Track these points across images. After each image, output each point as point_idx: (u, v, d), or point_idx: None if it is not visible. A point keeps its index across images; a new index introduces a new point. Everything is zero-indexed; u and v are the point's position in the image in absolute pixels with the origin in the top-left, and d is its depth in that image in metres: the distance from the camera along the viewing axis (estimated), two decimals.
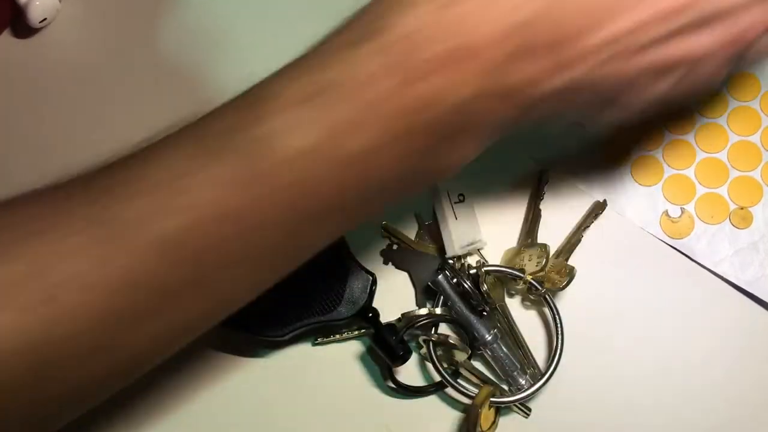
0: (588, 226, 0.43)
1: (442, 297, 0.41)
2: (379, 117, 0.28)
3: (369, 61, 0.28)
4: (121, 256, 0.27)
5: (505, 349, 0.41)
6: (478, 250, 0.43)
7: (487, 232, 0.43)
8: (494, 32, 0.28)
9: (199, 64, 0.47)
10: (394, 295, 0.42)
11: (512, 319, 0.42)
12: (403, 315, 0.41)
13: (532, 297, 0.42)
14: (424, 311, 0.41)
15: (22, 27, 0.47)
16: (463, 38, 0.27)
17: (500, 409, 0.40)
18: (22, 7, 0.46)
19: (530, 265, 0.42)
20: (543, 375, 0.40)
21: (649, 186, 0.44)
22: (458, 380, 0.40)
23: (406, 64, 0.28)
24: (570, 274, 0.41)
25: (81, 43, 0.48)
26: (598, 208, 0.43)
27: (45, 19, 0.47)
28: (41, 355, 0.26)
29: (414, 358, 0.42)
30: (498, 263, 0.43)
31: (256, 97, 0.29)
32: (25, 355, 0.26)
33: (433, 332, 0.41)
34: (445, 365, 0.41)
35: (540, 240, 0.43)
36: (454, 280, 0.41)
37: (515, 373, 0.40)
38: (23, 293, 0.26)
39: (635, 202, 0.44)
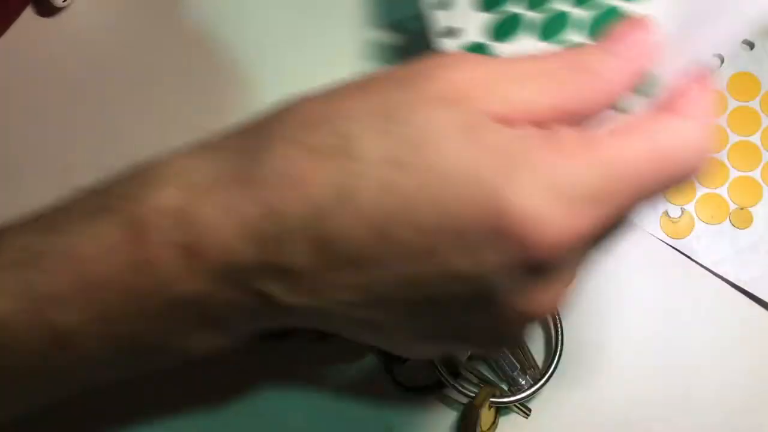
0: None
1: None
2: (91, 294, 0.26)
3: (99, 234, 0.26)
4: None
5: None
6: None
7: None
8: (233, 238, 0.25)
9: (223, 42, 0.47)
10: None
11: None
12: None
13: None
14: None
15: (45, 6, 0.47)
16: (200, 235, 0.25)
17: (500, 410, 0.40)
18: None
19: None
20: (543, 375, 0.40)
21: None
22: (458, 380, 0.40)
23: (138, 245, 0.25)
24: None
25: (103, 22, 0.48)
26: None
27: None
28: None
29: None
30: None
31: None
32: None
33: None
34: (445, 365, 0.41)
35: None
36: None
37: (515, 374, 0.40)
38: None
39: None
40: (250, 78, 0.46)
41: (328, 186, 0.24)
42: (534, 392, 0.40)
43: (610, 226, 0.25)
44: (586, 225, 0.24)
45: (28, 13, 0.48)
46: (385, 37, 0.47)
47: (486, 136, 0.23)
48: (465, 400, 0.40)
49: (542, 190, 0.23)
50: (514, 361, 0.41)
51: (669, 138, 0.25)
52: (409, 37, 0.46)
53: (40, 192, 0.43)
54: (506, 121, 0.24)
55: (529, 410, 0.41)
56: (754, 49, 0.45)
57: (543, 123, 0.25)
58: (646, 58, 0.26)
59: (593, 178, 0.24)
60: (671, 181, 0.25)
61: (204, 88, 0.47)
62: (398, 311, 0.26)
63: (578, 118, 0.25)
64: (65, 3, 0.47)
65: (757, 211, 0.44)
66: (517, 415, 0.41)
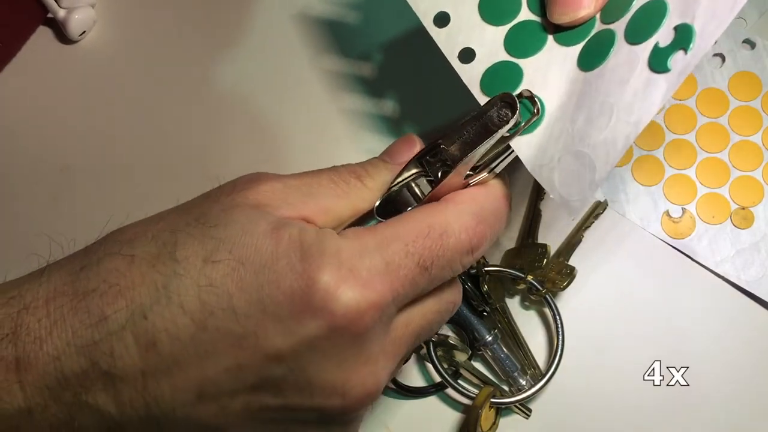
0: (588, 226, 0.43)
1: None
2: None
3: None
4: None
5: (505, 350, 0.41)
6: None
7: None
8: (61, 348, 0.26)
9: (229, 72, 0.48)
10: None
11: (512, 319, 0.42)
12: None
13: (532, 297, 0.42)
14: None
15: (63, 36, 0.49)
16: (28, 349, 0.26)
17: (501, 410, 0.40)
18: (61, 22, 0.47)
19: (530, 265, 0.41)
20: (543, 375, 0.40)
21: (650, 186, 0.44)
22: (458, 381, 0.40)
23: None
24: (570, 274, 0.41)
25: (117, 50, 0.49)
26: (598, 208, 0.43)
27: (84, 32, 0.48)
28: None
29: (414, 358, 0.42)
30: (498, 263, 0.43)
31: None
32: None
33: None
34: (446, 366, 0.41)
35: (540, 240, 0.43)
36: None
37: (515, 374, 0.40)
38: None
39: (636, 202, 0.44)
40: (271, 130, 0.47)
41: (151, 287, 0.26)
42: (534, 392, 0.40)
43: (420, 295, 0.29)
44: (382, 292, 0.27)
45: (50, 39, 0.49)
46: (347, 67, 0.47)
47: (288, 231, 0.27)
48: (465, 401, 0.40)
49: (338, 269, 0.27)
50: (515, 361, 0.41)
51: (440, 217, 0.30)
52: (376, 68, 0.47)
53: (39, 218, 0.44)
54: (304, 220, 0.29)
55: (530, 410, 0.41)
56: (755, 49, 0.45)
57: (333, 224, 0.30)
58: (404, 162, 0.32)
59: (378, 253, 0.28)
60: (446, 252, 0.29)
61: (205, 116, 0.47)
62: (233, 411, 0.27)
63: (354, 218, 0.31)
64: (81, 37, 0.49)
65: (758, 210, 0.43)
66: (518, 415, 0.41)
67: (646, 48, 0.30)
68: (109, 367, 0.26)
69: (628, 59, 0.30)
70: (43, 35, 0.49)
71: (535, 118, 0.31)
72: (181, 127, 0.47)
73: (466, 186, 0.32)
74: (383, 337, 0.28)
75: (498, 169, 0.33)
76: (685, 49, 0.29)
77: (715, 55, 0.46)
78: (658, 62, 0.30)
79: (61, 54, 0.49)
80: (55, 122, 0.47)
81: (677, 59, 0.29)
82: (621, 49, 0.31)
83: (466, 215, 0.30)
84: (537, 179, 0.31)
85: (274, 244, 0.27)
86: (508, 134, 0.31)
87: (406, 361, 0.33)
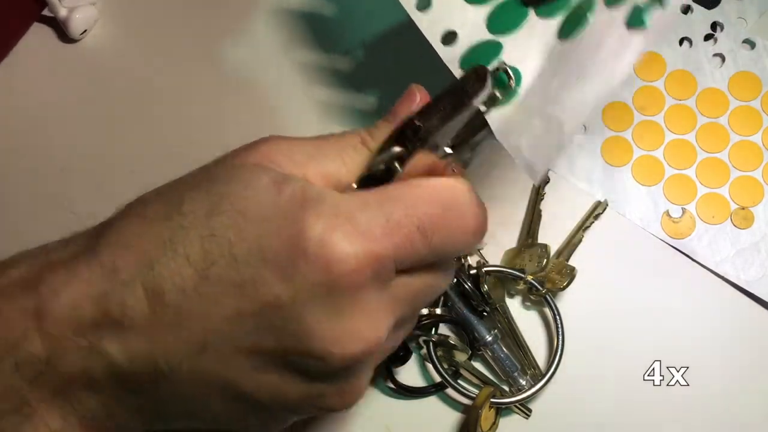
0: (588, 226, 0.43)
1: (442, 297, 0.41)
2: None
3: None
4: None
5: (505, 350, 0.41)
6: (479, 250, 0.43)
7: (487, 233, 0.43)
8: (75, 299, 0.27)
9: (234, 71, 0.48)
10: None
11: (513, 319, 0.42)
12: None
13: (532, 297, 0.42)
14: (424, 311, 0.41)
15: (64, 35, 0.49)
16: (45, 299, 0.28)
17: (501, 410, 0.40)
18: (63, 21, 0.47)
19: (531, 265, 0.41)
20: (543, 375, 0.40)
21: (650, 186, 0.44)
22: (458, 381, 0.40)
23: None
24: (570, 274, 0.41)
25: (118, 49, 0.49)
26: (598, 208, 0.43)
27: (85, 30, 0.48)
28: None
29: (414, 358, 0.42)
30: (498, 263, 0.43)
31: None
32: None
33: (433, 333, 0.41)
34: (446, 366, 0.41)
35: (540, 240, 0.43)
36: (455, 280, 0.41)
37: (516, 374, 0.40)
38: None
39: (636, 202, 0.44)
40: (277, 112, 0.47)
41: (159, 241, 0.27)
42: (534, 393, 0.40)
43: (417, 264, 0.29)
44: (383, 244, 0.27)
45: (52, 39, 0.49)
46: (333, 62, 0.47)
47: (290, 185, 0.28)
48: (465, 401, 0.40)
49: (337, 217, 0.27)
50: (515, 361, 0.41)
51: (442, 185, 0.30)
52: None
53: (40, 219, 0.44)
54: (306, 179, 0.29)
55: (530, 411, 0.41)
56: (755, 49, 0.45)
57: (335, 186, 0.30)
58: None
59: (379, 208, 0.28)
60: (449, 225, 0.29)
61: (208, 111, 0.47)
62: (235, 362, 0.28)
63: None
64: (82, 36, 0.48)
65: (758, 210, 0.43)
66: (518, 415, 0.41)
67: (625, 9, 0.31)
68: (121, 316, 0.27)
69: (606, 22, 0.31)
70: (40, 33, 0.49)
71: (510, 90, 0.32)
72: (183, 126, 0.47)
73: (448, 165, 0.32)
74: (382, 293, 0.28)
75: (477, 146, 0.33)
76: (662, 3, 0.30)
77: (715, 55, 0.46)
78: (635, 20, 0.30)
79: (61, 52, 0.49)
80: (54, 121, 0.47)
81: (655, 15, 0.30)
82: (600, 14, 0.31)
83: (476, 198, 0.30)
84: (504, 146, 0.32)
85: (275, 197, 0.27)
86: (485, 109, 0.31)
87: (408, 334, 0.33)
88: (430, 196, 0.29)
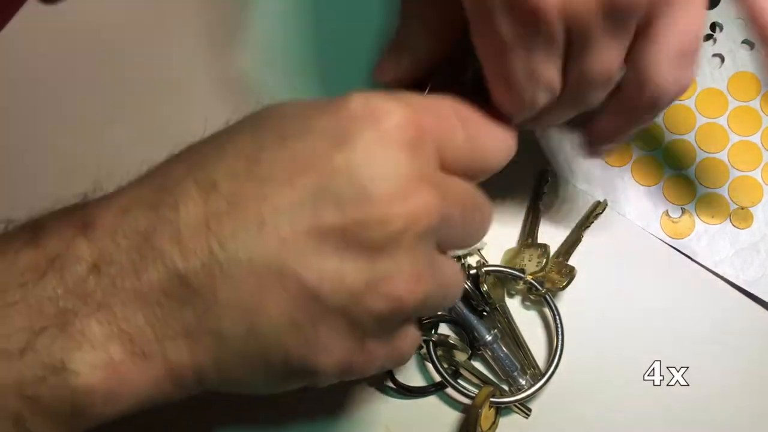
0: (588, 226, 0.43)
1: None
2: None
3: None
4: None
5: (505, 350, 0.41)
6: (479, 250, 0.43)
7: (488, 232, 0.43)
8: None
9: (224, 32, 0.47)
10: None
11: (512, 319, 0.42)
12: None
13: (532, 297, 0.42)
14: None
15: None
16: (87, 213, 0.27)
17: (500, 410, 0.40)
18: None
19: (530, 265, 0.41)
20: (543, 375, 0.40)
21: (650, 186, 0.44)
22: (458, 380, 0.40)
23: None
24: (570, 274, 0.41)
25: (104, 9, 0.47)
26: (598, 208, 0.43)
27: None
28: None
29: (414, 358, 0.42)
30: (498, 263, 0.43)
31: None
32: None
33: (433, 332, 0.41)
34: (445, 365, 0.41)
35: (540, 240, 0.43)
36: None
37: (515, 374, 0.40)
38: None
39: (635, 202, 0.44)
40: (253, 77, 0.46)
41: (210, 144, 0.29)
42: (534, 392, 0.40)
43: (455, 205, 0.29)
44: (423, 118, 0.28)
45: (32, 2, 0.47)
46: None
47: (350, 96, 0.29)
48: (465, 401, 0.40)
49: (394, 98, 0.29)
50: (515, 361, 0.41)
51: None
52: None
53: (39, 184, 0.44)
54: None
55: (530, 410, 0.41)
56: (754, 49, 0.45)
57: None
58: None
59: (423, 97, 0.31)
60: (486, 125, 0.32)
61: (201, 75, 0.47)
62: (295, 239, 0.27)
63: None
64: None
65: (757, 211, 0.44)
66: (517, 415, 0.41)
67: None
68: (174, 215, 0.26)
69: None
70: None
71: None
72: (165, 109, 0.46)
73: None
74: (434, 164, 0.29)
75: None
76: None
77: (714, 55, 0.46)
78: None
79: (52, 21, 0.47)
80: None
81: None
82: None
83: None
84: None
85: (379, 148, 0.28)
86: None
87: (461, 246, 0.33)
88: (470, 104, 0.31)
